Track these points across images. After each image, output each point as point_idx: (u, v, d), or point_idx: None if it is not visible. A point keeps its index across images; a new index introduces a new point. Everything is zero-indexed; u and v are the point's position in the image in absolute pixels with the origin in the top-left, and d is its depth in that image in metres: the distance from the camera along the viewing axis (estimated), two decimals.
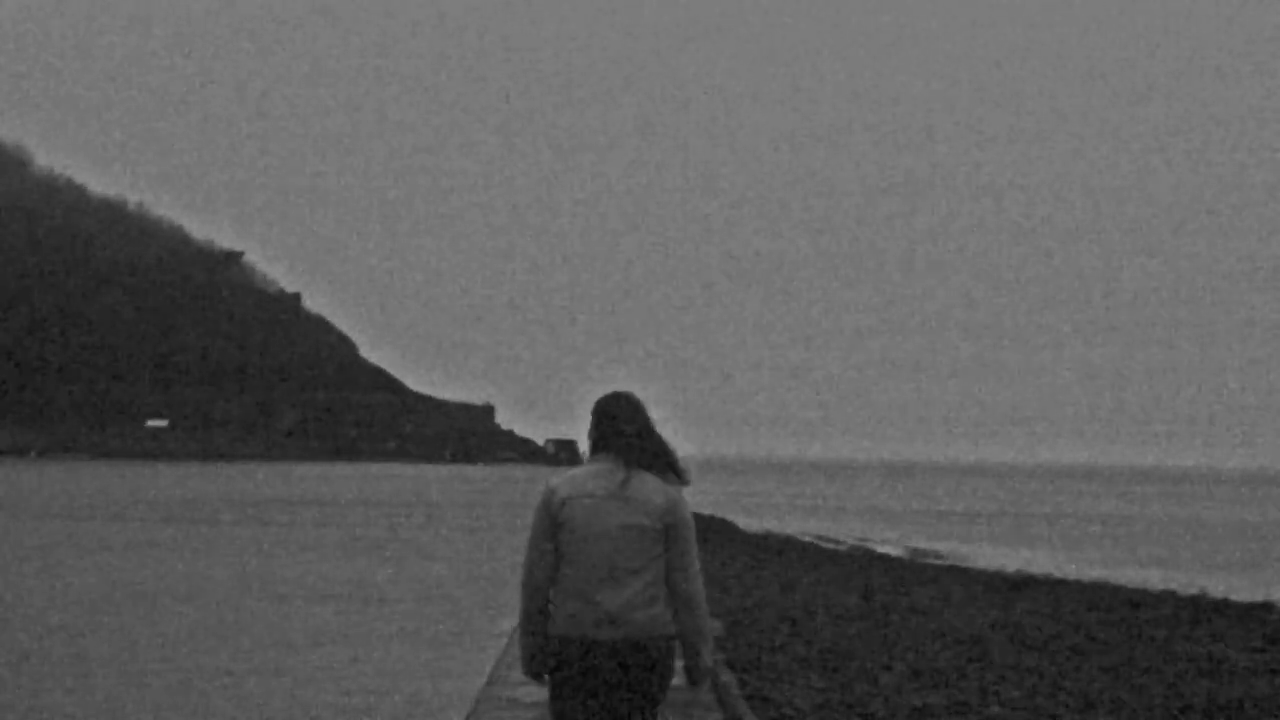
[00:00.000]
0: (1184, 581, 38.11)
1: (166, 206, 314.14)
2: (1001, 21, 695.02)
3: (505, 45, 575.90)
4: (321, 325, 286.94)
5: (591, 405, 6.49)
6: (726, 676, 14.31)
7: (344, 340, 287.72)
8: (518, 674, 13.63)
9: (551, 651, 6.28)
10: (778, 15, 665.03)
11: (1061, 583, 33.96)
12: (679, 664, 6.44)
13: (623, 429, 6.37)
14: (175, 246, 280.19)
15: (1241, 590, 35.40)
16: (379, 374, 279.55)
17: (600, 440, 6.40)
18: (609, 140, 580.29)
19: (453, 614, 24.58)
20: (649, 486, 6.28)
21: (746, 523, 63.55)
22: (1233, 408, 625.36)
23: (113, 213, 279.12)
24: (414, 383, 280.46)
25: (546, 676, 6.36)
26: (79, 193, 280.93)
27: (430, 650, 20.08)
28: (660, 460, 6.34)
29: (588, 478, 6.32)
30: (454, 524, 55.87)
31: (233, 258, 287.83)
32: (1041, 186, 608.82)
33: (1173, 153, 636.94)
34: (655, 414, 6.47)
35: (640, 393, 6.49)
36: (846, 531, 63.17)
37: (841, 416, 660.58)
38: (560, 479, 6.37)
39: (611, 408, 6.42)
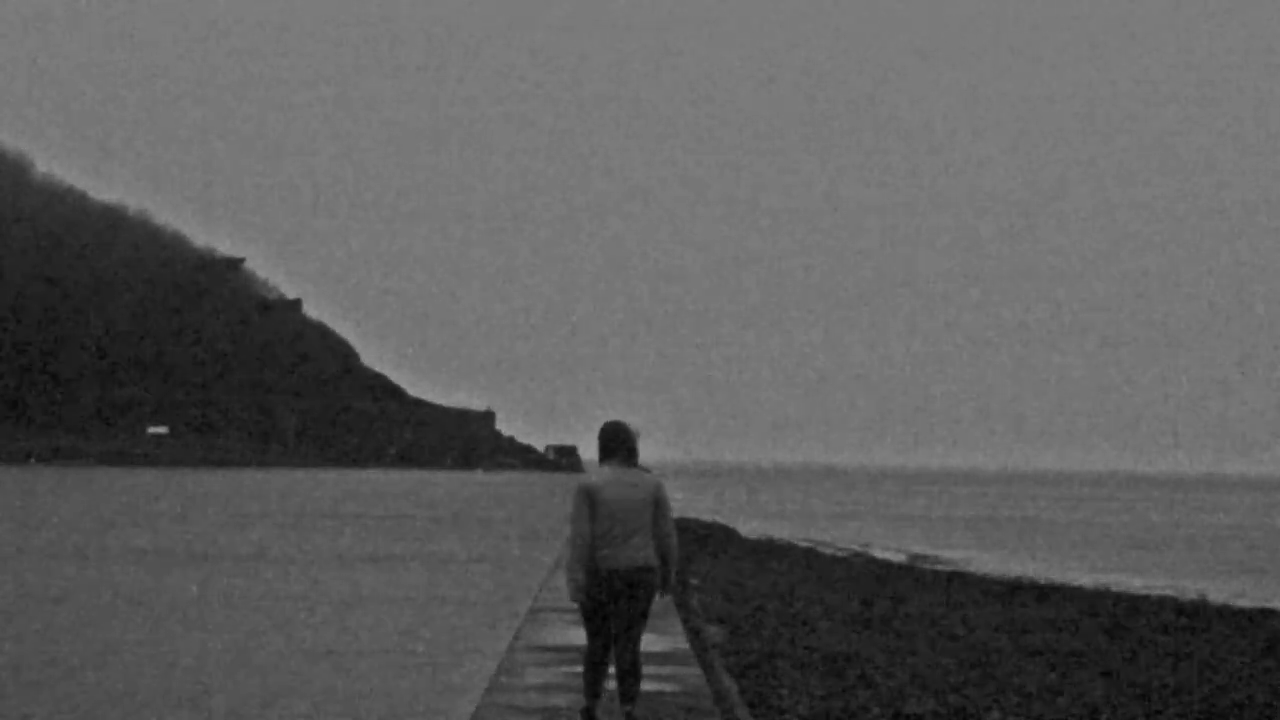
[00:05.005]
0: (1185, 587, 38.10)
1: (167, 213, 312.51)
2: (1016, 31, 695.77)
3: (508, 55, 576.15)
4: (322, 332, 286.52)
5: (598, 429, 10.94)
6: (728, 681, 14.32)
7: (344, 346, 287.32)
8: (520, 682, 13.65)
9: (599, 581, 10.73)
10: (782, 23, 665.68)
11: (1062, 589, 33.99)
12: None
13: (621, 443, 10.89)
14: (175, 253, 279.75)
15: (1242, 596, 35.41)
16: (379, 380, 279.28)
17: (607, 450, 10.93)
18: (610, 146, 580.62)
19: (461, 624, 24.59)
20: (642, 477, 10.86)
21: (747, 529, 63.52)
22: (1233, 414, 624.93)
23: (113, 219, 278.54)
24: (414, 389, 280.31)
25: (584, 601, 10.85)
26: (79, 199, 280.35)
27: (431, 662, 20.10)
28: (636, 462, 10.90)
29: (608, 475, 10.84)
30: (500, 534, 55.92)
31: (233, 264, 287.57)
32: (1041, 195, 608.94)
33: (1175, 158, 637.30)
34: (635, 432, 10.97)
35: (626, 419, 11.00)
36: (847, 537, 63.15)
37: (842, 423, 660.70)
38: (590, 477, 10.86)
39: (614, 430, 10.93)
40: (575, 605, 11.06)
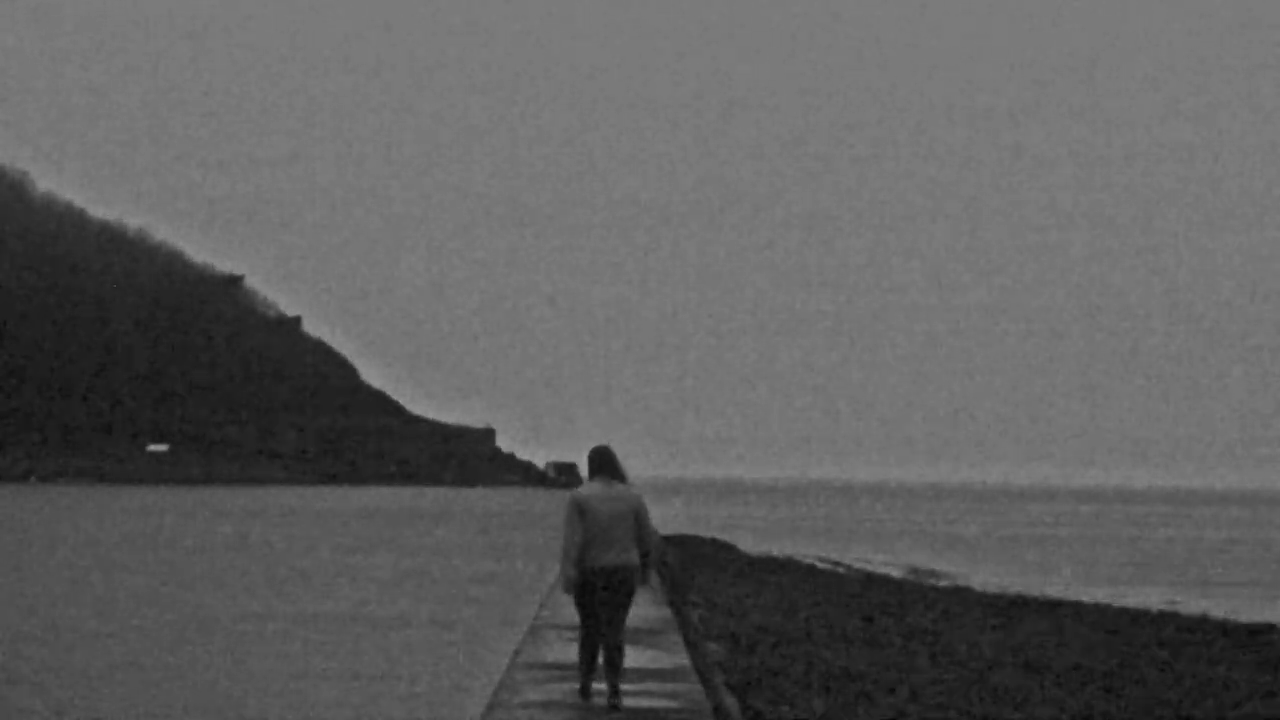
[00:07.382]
0: (1186, 603, 38.05)
1: (167, 230, 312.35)
2: (1021, 37, 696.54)
3: (509, 70, 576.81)
4: (322, 349, 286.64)
5: (587, 452, 13.15)
6: (728, 699, 14.29)
7: (344, 364, 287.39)
8: (519, 698, 13.65)
9: (584, 578, 12.74)
10: (789, 29, 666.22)
11: (1063, 604, 33.92)
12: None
13: (606, 463, 13.00)
14: (175, 270, 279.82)
15: (1244, 612, 35.34)
16: (380, 397, 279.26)
17: (593, 469, 13.05)
18: (609, 165, 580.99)
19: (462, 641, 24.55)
20: (625, 491, 12.93)
21: (748, 545, 63.47)
22: (1233, 427, 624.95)
23: (113, 237, 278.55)
24: (414, 406, 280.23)
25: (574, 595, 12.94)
26: (79, 217, 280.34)
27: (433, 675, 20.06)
28: (620, 477, 12.99)
29: (595, 489, 12.91)
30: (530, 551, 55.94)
31: (233, 282, 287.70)
32: (1041, 206, 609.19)
33: (1174, 166, 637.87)
34: (618, 453, 13.14)
35: (611, 444, 13.17)
36: (847, 553, 63.08)
37: (843, 439, 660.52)
38: (580, 490, 12.96)
39: (599, 453, 13.09)
40: (575, 617, 12.90)
